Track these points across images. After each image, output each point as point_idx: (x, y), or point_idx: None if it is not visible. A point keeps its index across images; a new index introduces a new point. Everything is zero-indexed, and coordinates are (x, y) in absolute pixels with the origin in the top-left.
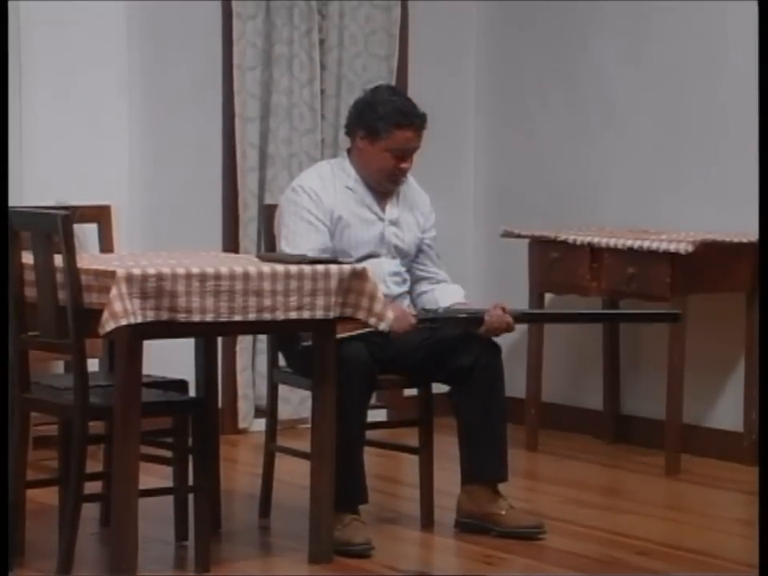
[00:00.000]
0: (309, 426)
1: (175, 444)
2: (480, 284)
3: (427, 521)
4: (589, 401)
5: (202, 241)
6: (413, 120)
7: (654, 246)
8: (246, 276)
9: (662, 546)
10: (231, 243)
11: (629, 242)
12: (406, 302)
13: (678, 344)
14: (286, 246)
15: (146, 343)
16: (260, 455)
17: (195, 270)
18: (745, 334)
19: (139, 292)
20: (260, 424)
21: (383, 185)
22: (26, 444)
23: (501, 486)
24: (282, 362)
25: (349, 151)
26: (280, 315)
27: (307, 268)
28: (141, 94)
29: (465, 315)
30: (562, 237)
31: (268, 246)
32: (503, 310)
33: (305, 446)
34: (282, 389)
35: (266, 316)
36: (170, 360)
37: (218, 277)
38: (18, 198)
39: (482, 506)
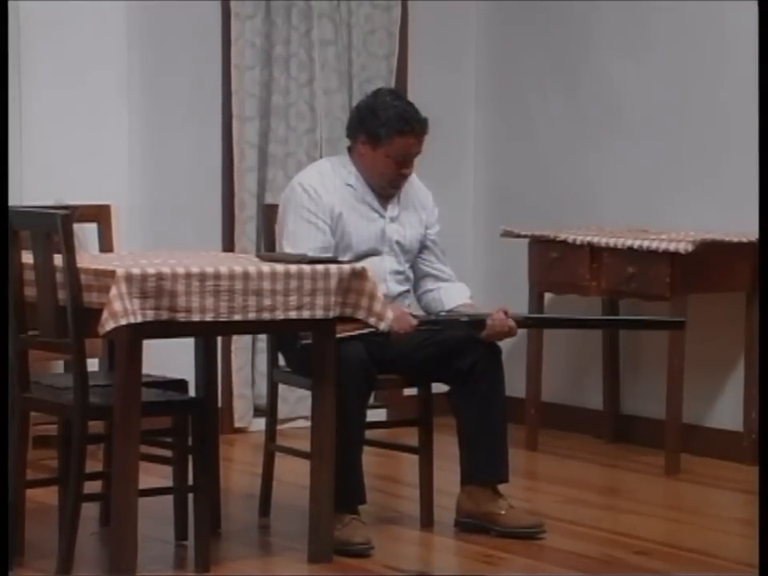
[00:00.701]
0: (306, 425)
1: (175, 444)
2: (480, 284)
3: (427, 521)
4: (589, 401)
5: (202, 240)
6: (414, 126)
7: (654, 245)
8: (245, 275)
9: (662, 546)
10: (231, 243)
11: (628, 242)
12: (407, 301)
13: (678, 344)
14: (287, 246)
15: (146, 343)
16: (259, 455)
17: (195, 270)
18: (745, 333)
19: (139, 292)
20: (259, 423)
21: (384, 189)
22: (25, 444)
23: (501, 486)
24: (281, 361)
25: (349, 149)
26: (280, 315)
27: (307, 268)
28: (140, 94)
29: (467, 319)
30: (562, 236)
31: (268, 246)
32: (506, 314)
33: (304, 445)
34: (280, 387)
35: (266, 315)
36: (170, 360)
37: (217, 276)
38: (17, 197)
39: (482, 505)
